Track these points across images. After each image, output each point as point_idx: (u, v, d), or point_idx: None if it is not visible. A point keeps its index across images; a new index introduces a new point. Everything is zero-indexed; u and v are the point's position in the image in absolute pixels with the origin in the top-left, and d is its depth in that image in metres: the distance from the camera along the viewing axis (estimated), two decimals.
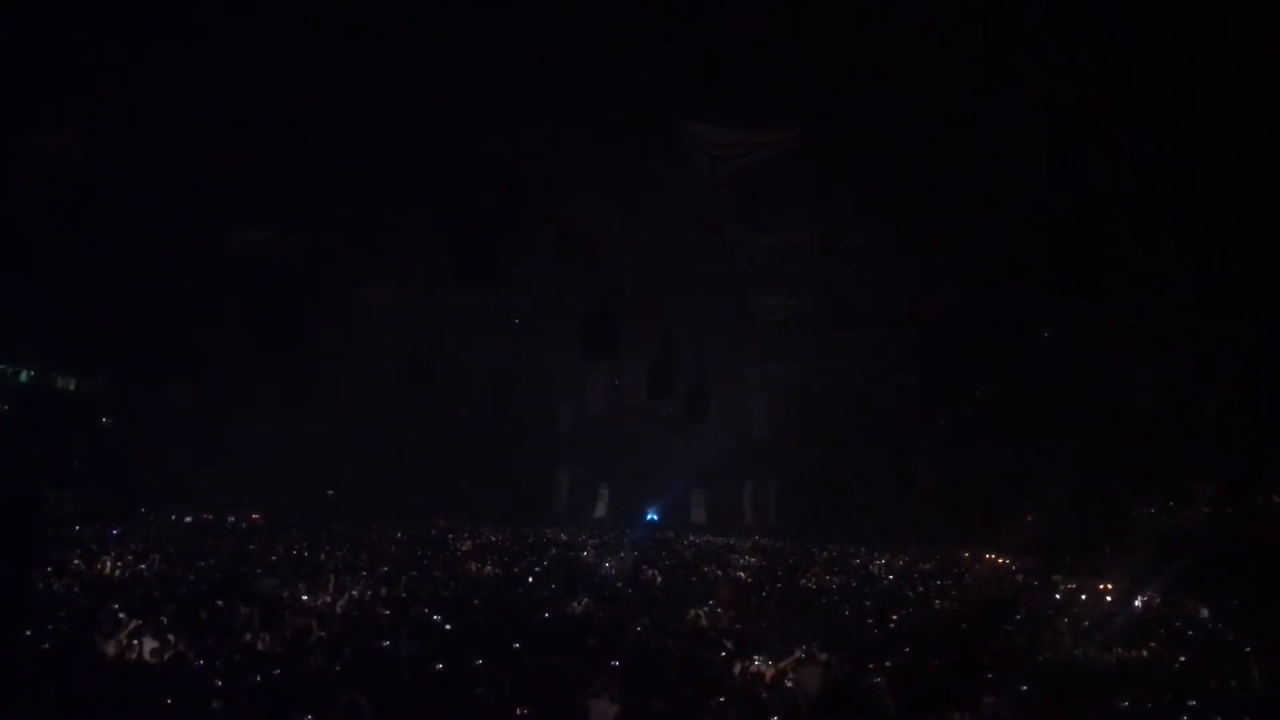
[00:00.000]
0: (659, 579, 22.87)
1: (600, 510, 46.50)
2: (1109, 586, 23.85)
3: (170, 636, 11.83)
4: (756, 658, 12.99)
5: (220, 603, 14.36)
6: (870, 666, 12.69)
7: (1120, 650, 15.23)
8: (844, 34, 18.80)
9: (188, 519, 32.46)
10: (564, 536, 35.46)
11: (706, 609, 17.43)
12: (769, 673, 12.40)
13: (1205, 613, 20.23)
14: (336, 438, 37.81)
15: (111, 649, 11.46)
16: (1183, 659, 14.88)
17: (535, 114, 21.43)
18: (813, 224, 25.44)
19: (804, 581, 23.88)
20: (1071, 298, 24.32)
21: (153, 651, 11.47)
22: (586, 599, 17.71)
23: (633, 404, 41.56)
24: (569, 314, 29.55)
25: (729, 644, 14.02)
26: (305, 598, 16.13)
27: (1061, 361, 30.79)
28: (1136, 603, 21.97)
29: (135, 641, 11.68)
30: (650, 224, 26.30)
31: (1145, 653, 15.36)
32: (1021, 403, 33.32)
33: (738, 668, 12.68)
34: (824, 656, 12.88)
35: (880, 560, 31.02)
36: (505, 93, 20.60)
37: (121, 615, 12.41)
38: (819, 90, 20.54)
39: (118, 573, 18.19)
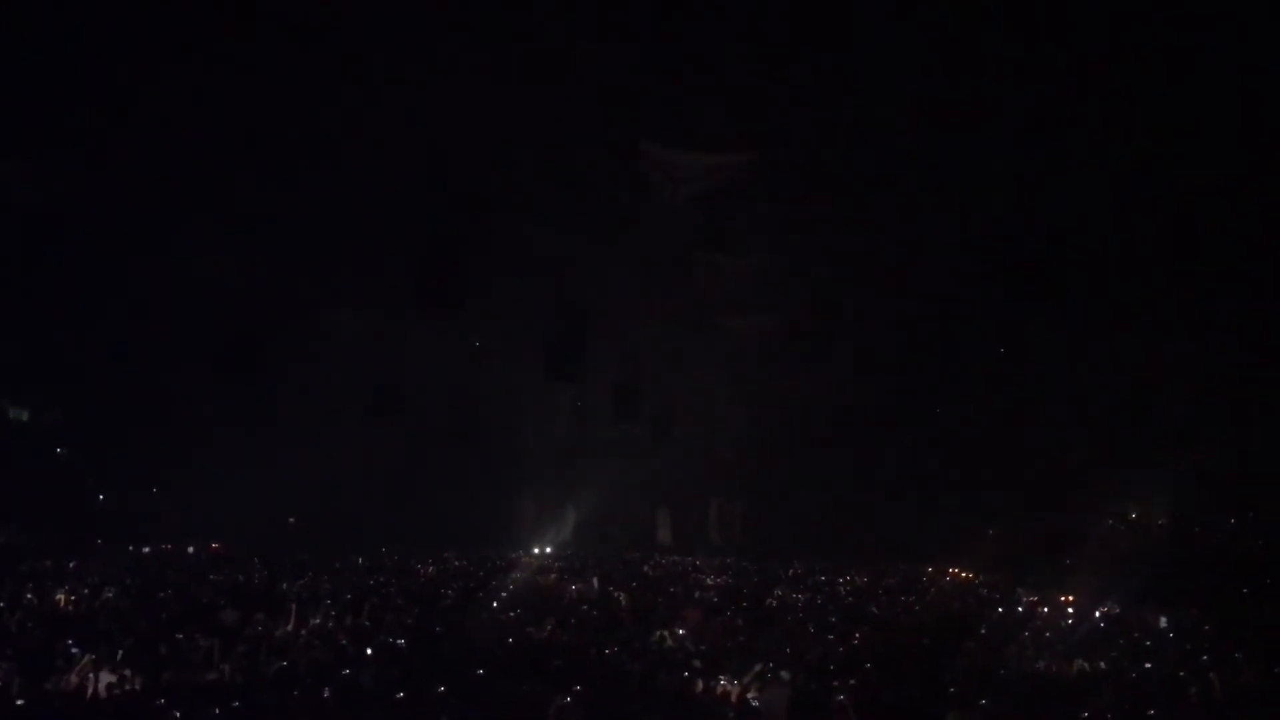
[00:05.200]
0: (624, 601, 22.80)
1: (565, 532, 46.30)
2: (1070, 599, 24.09)
3: (127, 671, 11.63)
4: (722, 677, 13.00)
5: (179, 636, 14.15)
6: (834, 684, 12.74)
7: (1081, 661, 15.37)
8: (805, 61, 19.08)
9: (146, 550, 31.95)
10: (528, 560, 35.29)
11: (673, 630, 17.40)
12: (734, 692, 12.42)
13: (1164, 622, 20.47)
14: (297, 465, 37.41)
15: (65, 684, 11.25)
16: (1145, 667, 15.07)
17: (499, 141, 21.51)
18: (775, 247, 25.69)
19: (769, 600, 23.90)
20: (1029, 315, 24.72)
21: (108, 686, 11.27)
22: (551, 623, 17.63)
23: (598, 426, 41.57)
24: (533, 337, 29.57)
25: (695, 664, 14.02)
26: (264, 629, 15.91)
27: (1019, 378, 31.20)
28: (1097, 614, 22.20)
29: (91, 676, 11.47)
30: (613, 248, 26.41)
31: (1105, 663, 15.51)
32: (981, 419, 33.70)
33: (703, 688, 12.69)
34: (788, 675, 12.90)
35: (845, 578, 31.14)
36: (469, 120, 20.66)
37: (75, 650, 12.19)
38: (781, 115, 20.80)
39: (72, 606, 17.87)
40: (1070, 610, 22.85)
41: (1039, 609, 23.33)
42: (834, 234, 25.12)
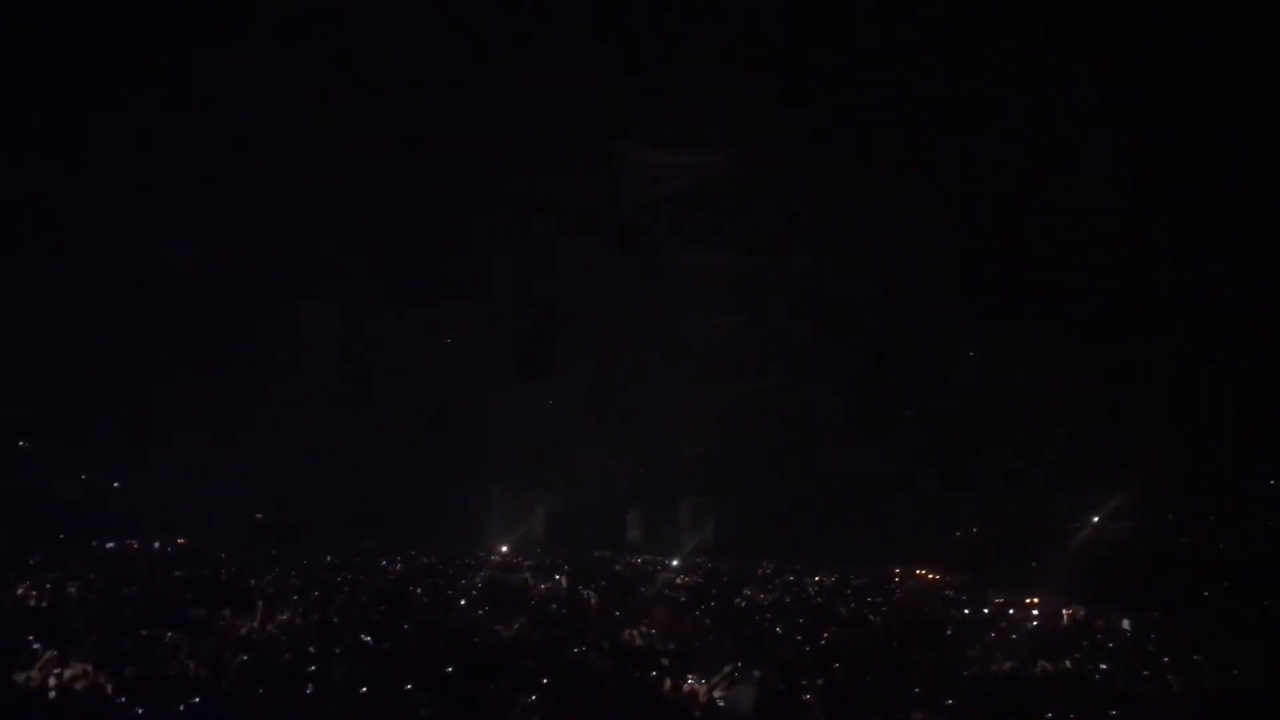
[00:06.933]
0: (594, 600, 22.81)
1: (536, 530, 46.14)
2: (1035, 600, 24.31)
3: (89, 666, 11.50)
4: (690, 676, 13.03)
5: (144, 631, 14.03)
6: (803, 683, 12.81)
7: (1044, 662, 15.53)
8: (779, 60, 19.14)
9: (110, 544, 31.59)
10: (496, 558, 35.22)
11: (642, 629, 17.42)
12: (702, 691, 12.46)
13: (1127, 624, 20.71)
14: (265, 459, 37.05)
15: (26, 680, 11.12)
16: (1105, 668, 15.28)
17: (474, 136, 21.44)
18: (747, 245, 25.76)
19: (738, 600, 23.99)
20: (998, 316, 24.95)
21: (71, 680, 11.14)
22: (520, 621, 17.62)
23: (569, 423, 41.46)
24: (504, 333, 29.52)
25: (663, 663, 14.04)
26: (226, 624, 15.80)
27: (988, 379, 31.45)
28: (1062, 615, 22.44)
29: (56, 672, 11.34)
30: (586, 245, 26.38)
31: (1069, 663, 15.70)
32: (950, 419, 33.93)
33: (671, 686, 12.71)
34: (757, 674, 12.96)
35: (814, 578, 31.29)
36: (444, 115, 20.59)
37: (37, 646, 12.05)
38: (755, 114, 20.85)
39: (35, 601, 17.68)
40: (1035, 612, 23.07)
41: (1005, 610, 23.53)
42: (806, 233, 25.22)
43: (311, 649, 14.11)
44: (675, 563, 36.50)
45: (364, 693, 11.11)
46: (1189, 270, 22.20)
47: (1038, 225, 21.40)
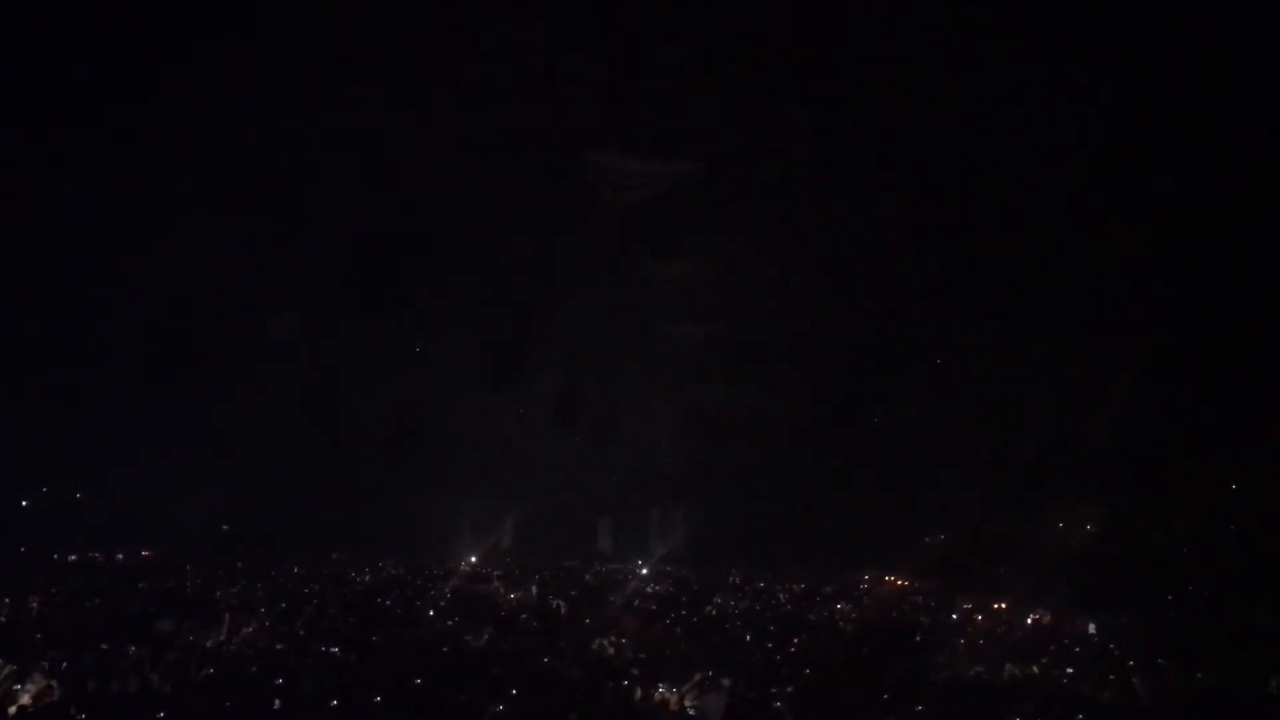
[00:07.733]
0: (564, 609, 22.74)
1: (505, 541, 45.88)
2: (1003, 605, 24.47)
3: (51, 681, 11.33)
4: (661, 685, 13.02)
5: (107, 645, 13.84)
6: (773, 690, 12.83)
7: (1012, 667, 15.65)
8: (748, 70, 19.25)
9: (72, 557, 31.11)
10: (466, 568, 35.03)
11: (612, 637, 17.38)
12: (673, 700, 12.45)
13: (1093, 628, 20.91)
14: (232, 470, 36.63)
15: None
16: (1070, 672, 15.42)
17: (443, 148, 21.38)
18: (717, 255, 25.84)
19: (708, 608, 23.99)
20: (966, 322, 25.17)
21: (33, 696, 10.97)
22: (490, 631, 17.53)
23: (539, 433, 41.31)
24: (475, 343, 29.42)
25: (634, 672, 14.03)
26: (194, 637, 15.62)
27: (956, 386, 31.67)
28: (1029, 620, 22.61)
29: (15, 687, 11.16)
30: (556, 255, 26.35)
31: (1036, 668, 15.83)
32: (918, 428, 34.13)
33: (642, 695, 12.70)
34: (727, 682, 12.97)
35: (784, 585, 31.34)
36: (416, 124, 20.53)
37: None
38: (724, 124, 20.95)
39: None
40: (1003, 617, 23.23)
41: (973, 616, 23.68)
42: (777, 243, 25.34)
43: (279, 660, 13.98)
44: (645, 571, 36.44)
45: (333, 705, 11.02)
46: (1158, 277, 22.50)
47: (1002, 237, 21.61)
